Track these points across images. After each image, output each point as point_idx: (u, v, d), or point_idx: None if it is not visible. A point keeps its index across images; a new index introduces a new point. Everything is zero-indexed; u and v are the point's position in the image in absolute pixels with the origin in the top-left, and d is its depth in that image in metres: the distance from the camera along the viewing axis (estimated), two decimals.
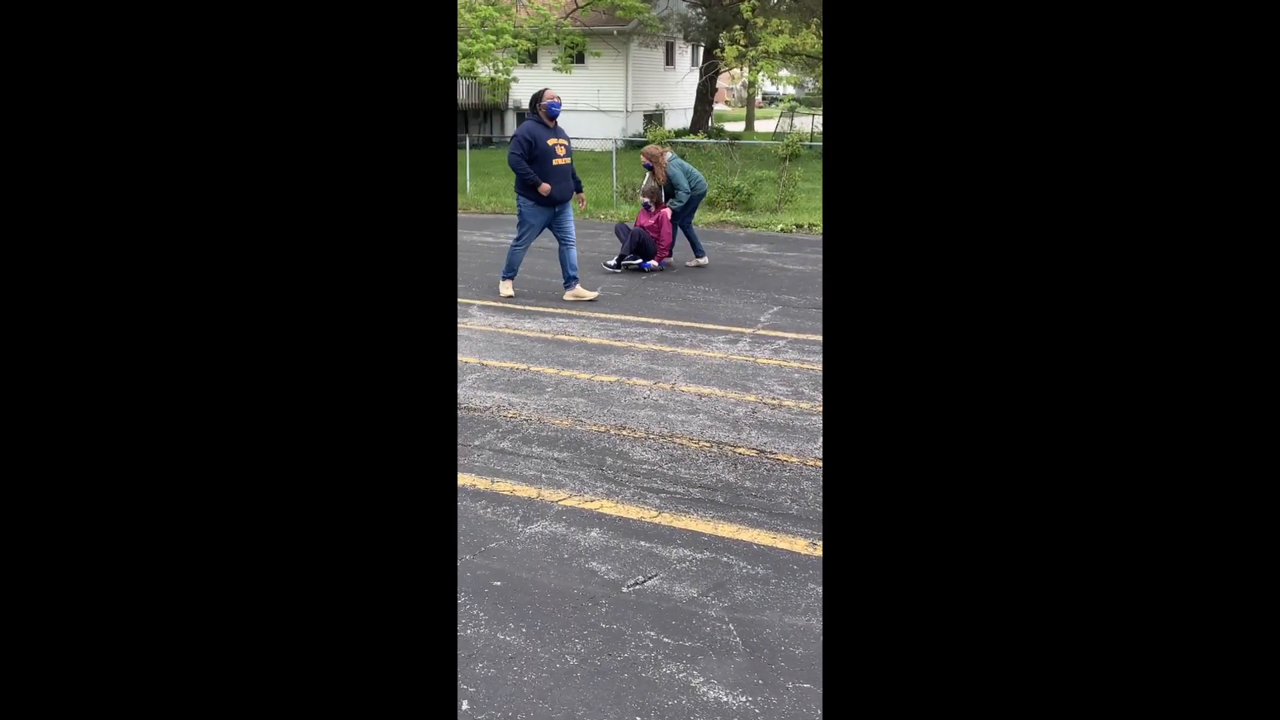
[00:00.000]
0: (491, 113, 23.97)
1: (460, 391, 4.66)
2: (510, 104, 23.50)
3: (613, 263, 7.98)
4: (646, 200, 8.21)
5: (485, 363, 5.19)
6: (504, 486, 3.51)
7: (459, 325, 6.03)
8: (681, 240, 8.38)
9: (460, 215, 11.95)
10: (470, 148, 14.97)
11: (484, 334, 5.84)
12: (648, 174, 8.33)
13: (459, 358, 5.26)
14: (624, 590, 2.77)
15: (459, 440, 3.98)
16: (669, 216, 8.03)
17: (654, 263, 7.97)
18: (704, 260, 8.19)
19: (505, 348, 5.51)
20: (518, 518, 3.26)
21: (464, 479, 3.58)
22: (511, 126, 23.88)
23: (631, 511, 3.31)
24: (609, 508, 3.34)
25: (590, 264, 8.21)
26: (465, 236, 10.09)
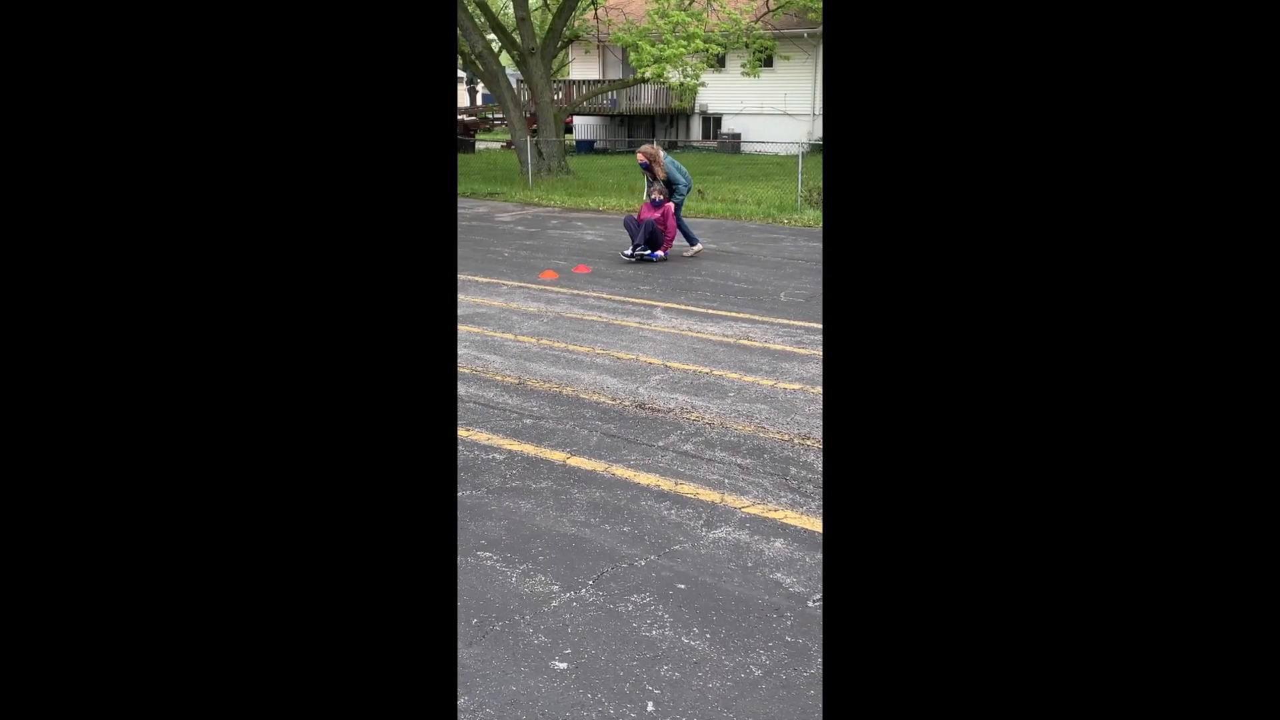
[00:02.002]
0: (678, 117, 24.19)
1: (644, 392, 4.72)
2: (696, 108, 23.61)
3: (629, 253, 8.61)
4: (657, 196, 8.78)
5: (669, 364, 5.23)
6: (687, 489, 3.52)
7: (642, 326, 6.11)
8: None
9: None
10: None
11: (667, 336, 5.88)
12: (645, 172, 9.07)
13: (643, 358, 5.33)
14: (809, 605, 2.70)
15: (643, 440, 4.02)
16: (673, 210, 8.79)
17: (660, 253, 8.68)
18: (699, 248, 8.99)
19: (688, 350, 5.53)
20: (701, 521, 3.25)
21: (648, 479, 3.61)
22: (697, 131, 24.00)
23: (816, 525, 3.23)
24: (793, 519, 3.28)
25: (610, 254, 8.14)
26: None
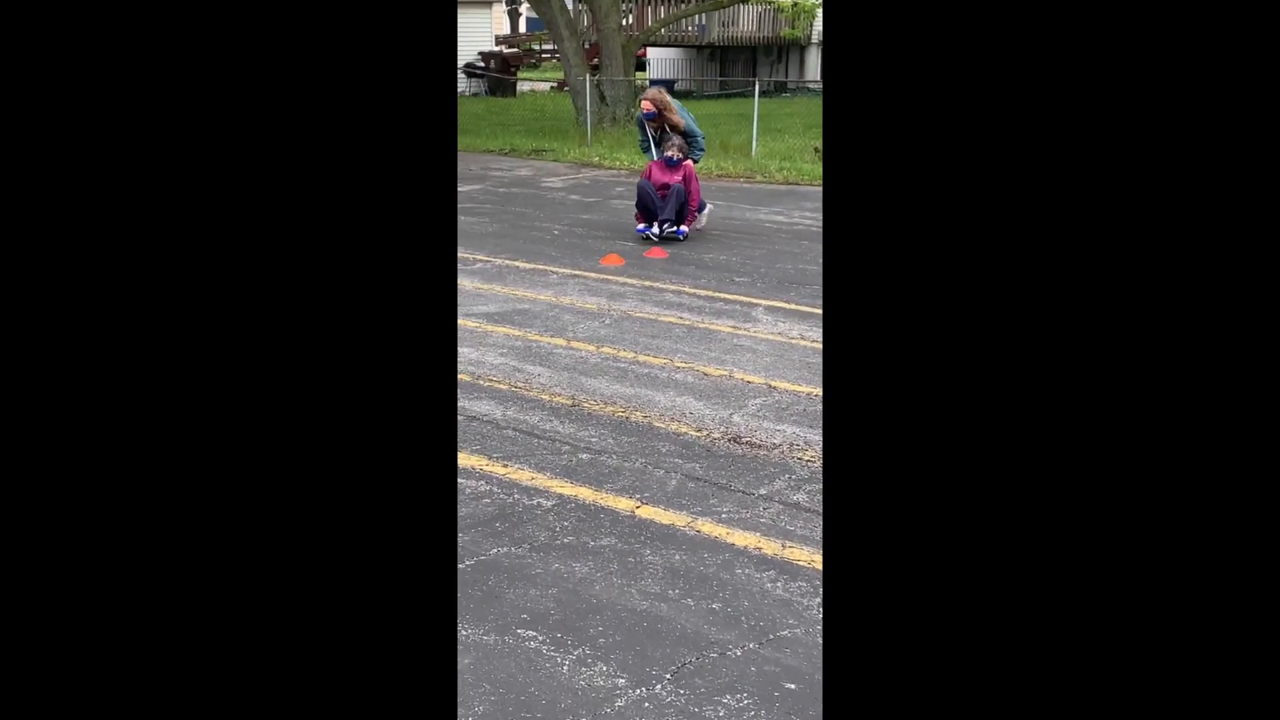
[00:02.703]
0: (788, 50, 24.18)
1: (739, 420, 4.72)
2: (814, 36, 23.55)
3: (654, 230, 8.81)
4: (675, 154, 8.81)
5: (773, 384, 5.23)
6: (799, 555, 3.51)
7: (737, 331, 6.12)
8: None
9: (744, 186, 12.16)
10: (759, 95, 15.14)
11: (772, 345, 5.88)
12: (647, 123, 9.16)
13: (738, 375, 5.34)
14: None
15: (738, 486, 4.03)
16: (694, 171, 9.03)
17: (685, 228, 8.91)
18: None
19: (800, 365, 5.52)
20: (818, 599, 3.24)
21: (745, 538, 3.61)
22: (814, 67, 23.94)
23: None
24: None
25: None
26: (750, 214, 10.24)
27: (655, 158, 9.16)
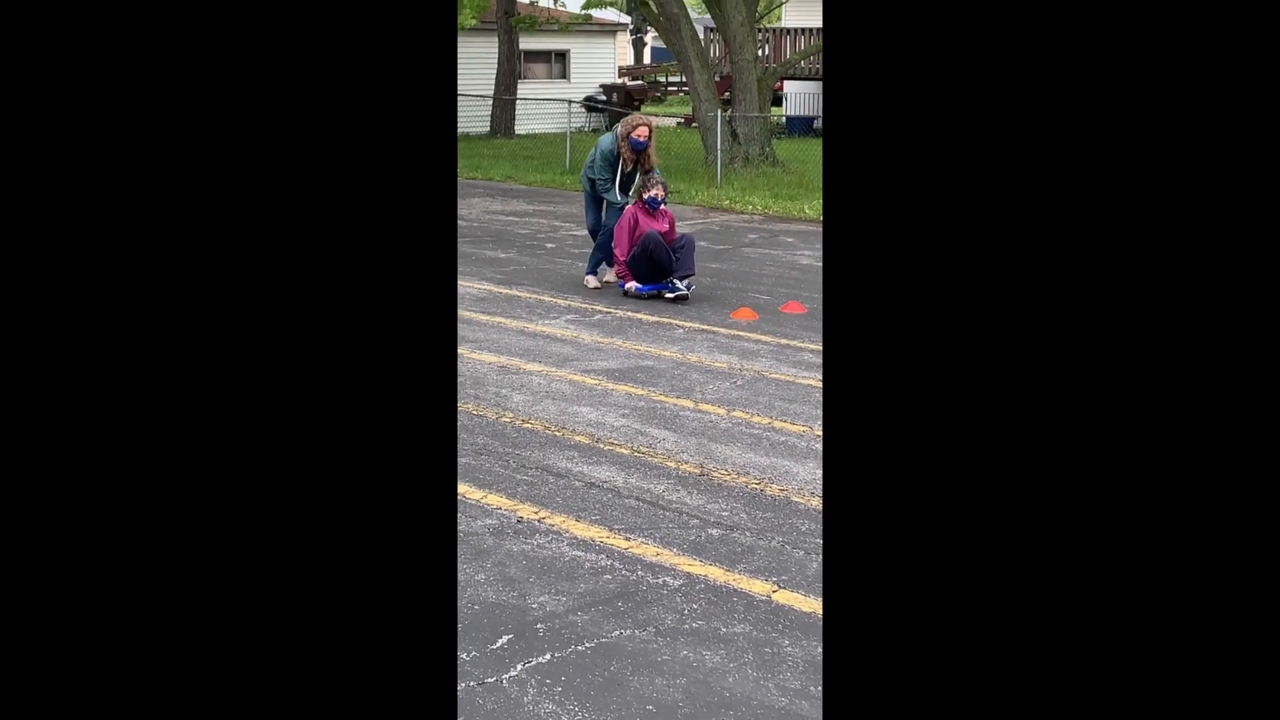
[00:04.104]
0: None
1: None
2: None
3: (684, 287, 8.45)
4: (658, 194, 8.46)
5: None
6: None
7: None
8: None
9: None
10: None
11: None
12: (629, 157, 8.65)
13: None
14: None
15: None
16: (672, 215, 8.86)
17: (682, 285, 8.53)
18: (610, 278, 8.99)
19: None
20: None
21: None
22: None
23: None
24: None
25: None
26: None
27: (619, 199, 8.77)
